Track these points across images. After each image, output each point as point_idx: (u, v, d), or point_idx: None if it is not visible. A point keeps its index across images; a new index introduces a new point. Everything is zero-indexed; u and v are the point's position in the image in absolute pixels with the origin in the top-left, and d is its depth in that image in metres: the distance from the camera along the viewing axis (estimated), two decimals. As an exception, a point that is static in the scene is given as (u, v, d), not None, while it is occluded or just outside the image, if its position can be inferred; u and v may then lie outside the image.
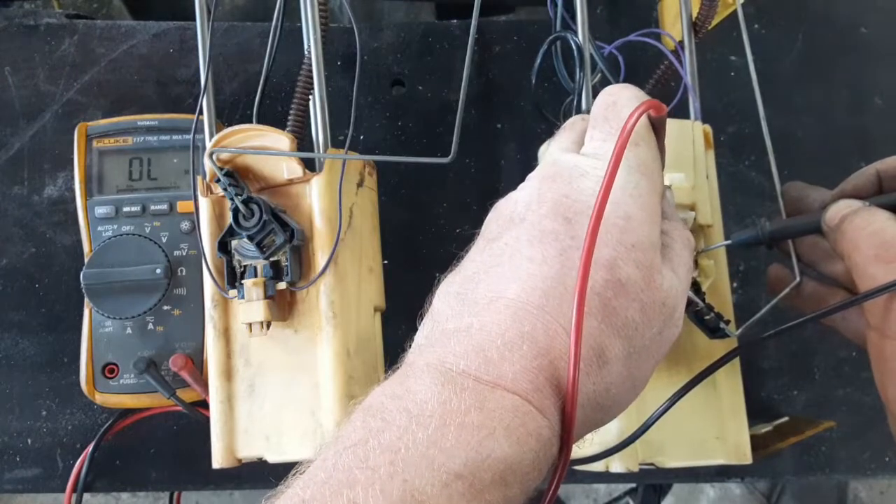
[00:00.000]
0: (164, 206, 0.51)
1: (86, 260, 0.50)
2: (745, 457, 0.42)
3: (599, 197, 0.26)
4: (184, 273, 0.50)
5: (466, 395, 0.25)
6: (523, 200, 0.30)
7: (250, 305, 0.41)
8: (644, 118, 0.30)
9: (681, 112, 0.45)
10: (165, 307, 0.50)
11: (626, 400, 0.29)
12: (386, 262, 0.49)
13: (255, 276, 0.42)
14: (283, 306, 0.43)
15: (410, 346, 0.29)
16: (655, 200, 0.29)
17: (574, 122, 0.35)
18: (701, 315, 0.39)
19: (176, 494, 0.65)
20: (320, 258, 0.42)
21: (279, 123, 0.44)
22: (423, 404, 0.25)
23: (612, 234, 0.27)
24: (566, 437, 0.26)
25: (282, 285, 0.42)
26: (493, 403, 0.25)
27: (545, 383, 0.26)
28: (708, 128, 0.45)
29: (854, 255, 0.36)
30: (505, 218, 0.30)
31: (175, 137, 0.52)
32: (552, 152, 0.32)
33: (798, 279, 0.42)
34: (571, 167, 0.30)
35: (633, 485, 0.99)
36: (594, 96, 0.45)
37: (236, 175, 0.43)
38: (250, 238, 0.42)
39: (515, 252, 0.28)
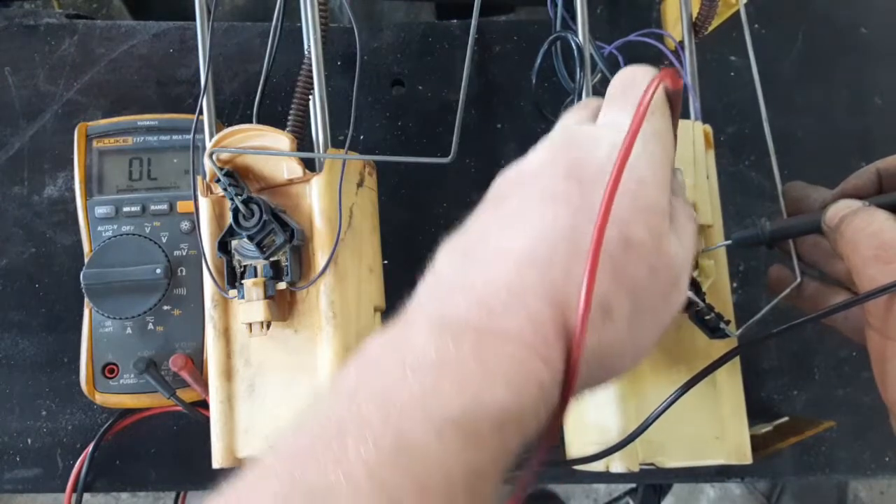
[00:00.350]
0: (164, 206, 0.51)
1: (86, 260, 0.50)
2: (745, 457, 0.42)
3: (620, 155, 0.26)
4: (184, 273, 0.50)
5: (466, 345, 0.24)
6: (535, 162, 0.30)
7: (250, 305, 0.41)
8: (661, 90, 0.30)
9: (681, 112, 0.45)
10: (165, 307, 0.50)
11: (628, 361, 0.29)
12: (386, 262, 0.49)
13: (255, 276, 0.42)
14: (283, 306, 0.43)
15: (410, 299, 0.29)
16: (668, 169, 0.30)
17: (589, 101, 0.35)
18: (701, 315, 0.39)
19: (182, 494, 0.65)
20: (320, 258, 0.42)
21: (279, 123, 0.44)
22: (420, 354, 0.24)
23: (625, 196, 0.27)
24: (569, 379, 0.25)
25: (282, 285, 0.42)
26: (492, 352, 0.24)
27: (552, 332, 0.25)
28: (708, 128, 0.45)
29: (853, 255, 0.36)
30: (513, 180, 0.30)
31: (175, 137, 0.52)
32: (565, 124, 0.32)
33: (799, 279, 0.42)
34: (586, 135, 0.30)
35: (633, 485, 0.99)
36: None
37: (236, 175, 0.43)
38: (250, 238, 0.42)
39: (526, 210, 0.28)
